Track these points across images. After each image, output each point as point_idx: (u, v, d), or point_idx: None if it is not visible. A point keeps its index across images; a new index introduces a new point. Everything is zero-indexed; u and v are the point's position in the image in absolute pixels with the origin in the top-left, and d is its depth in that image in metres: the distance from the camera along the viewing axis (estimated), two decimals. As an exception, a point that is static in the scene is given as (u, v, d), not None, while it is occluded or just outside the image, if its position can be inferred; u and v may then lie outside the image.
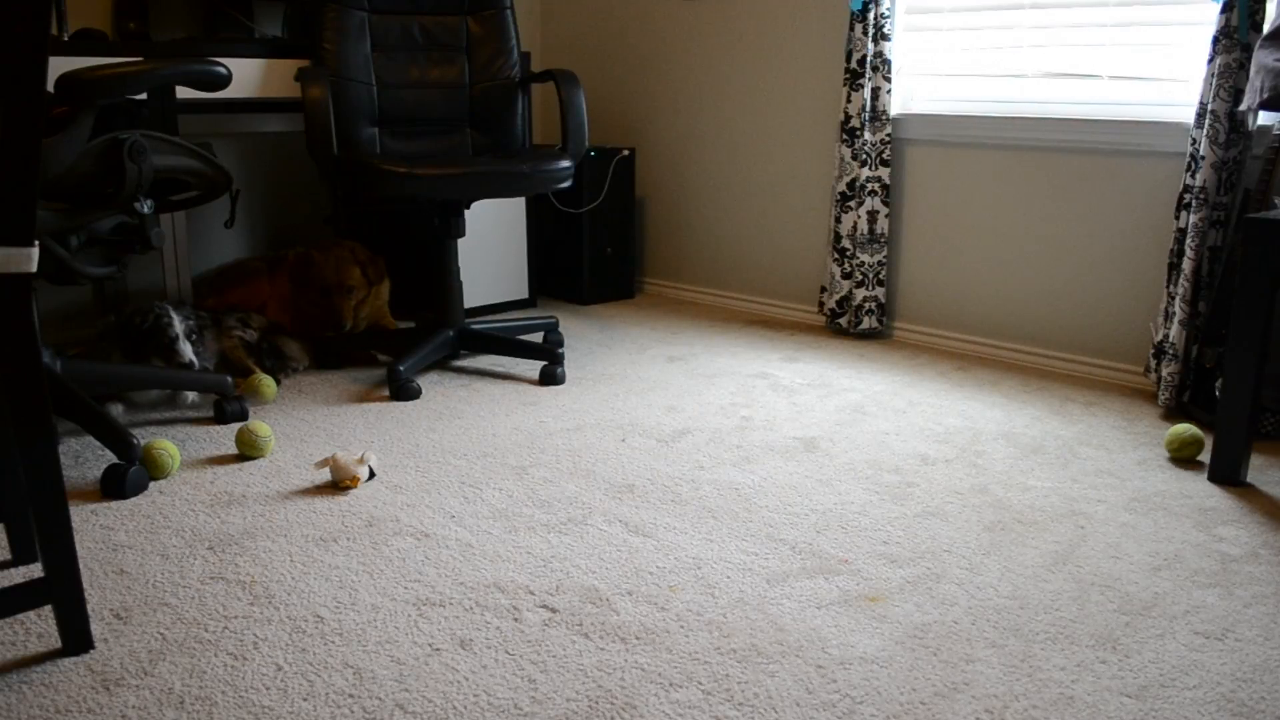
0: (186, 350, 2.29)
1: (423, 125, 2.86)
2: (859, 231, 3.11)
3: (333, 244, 2.98)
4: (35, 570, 1.60)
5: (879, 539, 1.77)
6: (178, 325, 2.28)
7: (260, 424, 2.13)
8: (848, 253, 3.15)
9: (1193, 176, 2.39)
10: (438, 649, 1.41)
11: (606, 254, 3.68)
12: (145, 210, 2.00)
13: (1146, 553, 1.72)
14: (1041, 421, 2.40)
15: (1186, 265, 2.39)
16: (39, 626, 1.46)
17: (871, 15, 2.94)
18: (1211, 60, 2.32)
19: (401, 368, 2.55)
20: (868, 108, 3.01)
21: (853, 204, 3.12)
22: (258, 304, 2.93)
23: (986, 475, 2.05)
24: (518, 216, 3.51)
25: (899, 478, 2.04)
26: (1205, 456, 2.16)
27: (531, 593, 1.57)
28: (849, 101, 3.04)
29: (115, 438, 1.95)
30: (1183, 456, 2.15)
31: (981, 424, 2.37)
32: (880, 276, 3.12)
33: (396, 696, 1.30)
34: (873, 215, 3.09)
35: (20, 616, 1.49)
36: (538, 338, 3.07)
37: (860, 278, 3.13)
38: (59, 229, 1.89)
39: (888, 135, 3.03)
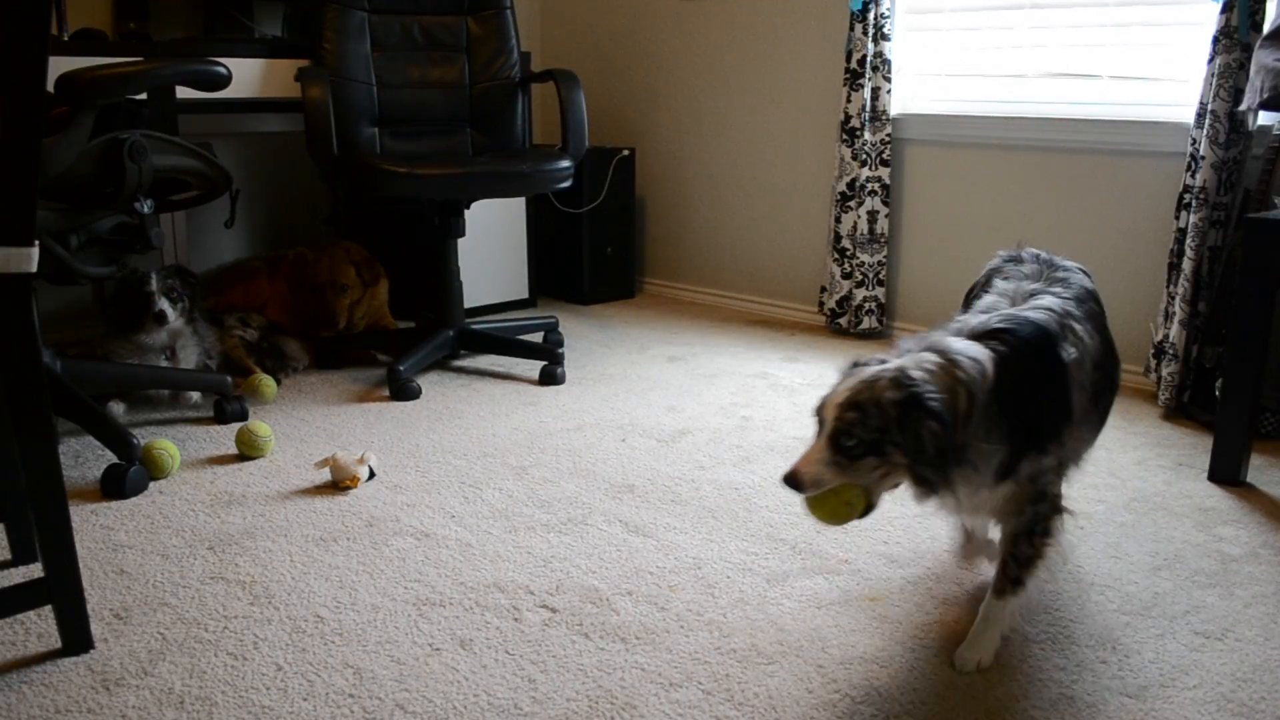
0: (163, 304, 2.35)
1: (423, 125, 2.85)
2: (859, 231, 3.11)
3: (329, 243, 2.98)
4: (35, 570, 1.60)
5: (879, 539, 1.77)
6: (155, 283, 2.36)
7: (260, 424, 2.13)
8: (848, 253, 3.15)
9: (1193, 176, 2.39)
10: (438, 649, 1.41)
11: (606, 254, 3.68)
12: (145, 210, 2.00)
13: (1146, 553, 1.72)
14: (1041, 421, 2.40)
15: (1186, 265, 2.39)
16: (39, 626, 1.46)
17: (871, 15, 2.94)
18: (1211, 60, 2.32)
19: (401, 368, 2.54)
20: (868, 108, 3.01)
21: (853, 204, 3.12)
22: (257, 304, 2.93)
23: (986, 475, 2.05)
24: (518, 216, 3.51)
25: (899, 478, 2.04)
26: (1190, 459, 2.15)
27: (531, 593, 1.57)
28: (849, 101, 3.04)
29: (115, 438, 1.95)
30: None
31: (981, 424, 2.37)
32: (880, 276, 3.12)
33: (396, 696, 1.30)
34: (873, 215, 3.09)
35: (20, 616, 1.49)
36: (538, 338, 3.07)
37: (860, 278, 3.13)
38: (59, 229, 1.89)
39: (888, 135, 3.03)
